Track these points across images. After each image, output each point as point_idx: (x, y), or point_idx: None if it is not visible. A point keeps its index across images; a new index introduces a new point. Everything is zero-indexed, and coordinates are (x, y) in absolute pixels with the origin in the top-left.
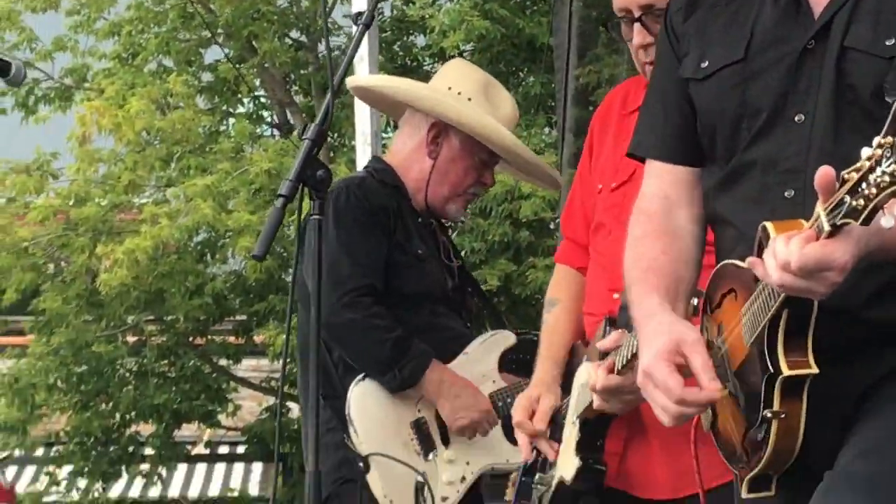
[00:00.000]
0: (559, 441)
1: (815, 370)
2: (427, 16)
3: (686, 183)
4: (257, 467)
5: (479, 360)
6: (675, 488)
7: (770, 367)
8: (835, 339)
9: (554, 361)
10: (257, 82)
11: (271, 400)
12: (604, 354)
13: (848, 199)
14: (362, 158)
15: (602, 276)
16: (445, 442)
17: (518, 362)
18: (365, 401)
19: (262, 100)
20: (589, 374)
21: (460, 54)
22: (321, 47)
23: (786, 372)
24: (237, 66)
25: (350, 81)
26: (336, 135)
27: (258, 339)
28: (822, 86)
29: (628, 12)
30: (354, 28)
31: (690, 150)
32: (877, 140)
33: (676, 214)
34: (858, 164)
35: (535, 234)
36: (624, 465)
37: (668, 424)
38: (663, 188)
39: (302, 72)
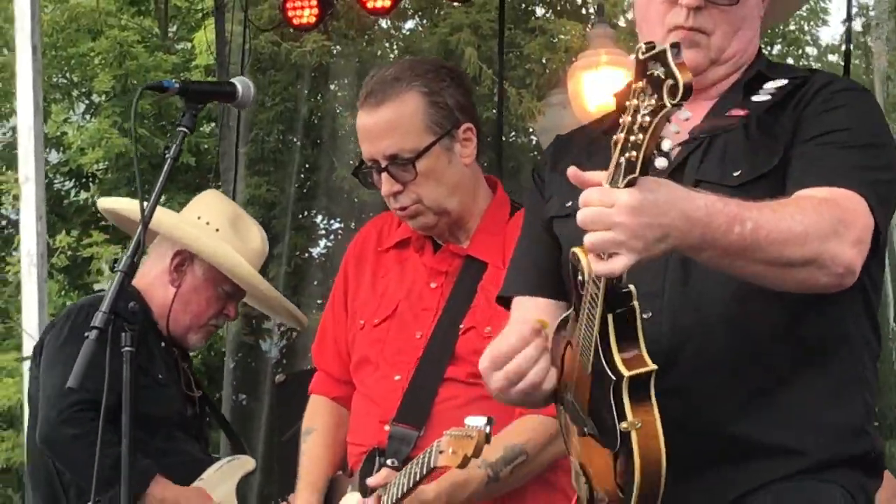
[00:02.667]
0: None
1: (652, 366)
2: (60, 132)
3: (549, 312)
4: None
5: (216, 486)
6: None
7: (612, 376)
8: (699, 453)
9: (314, 488)
10: None
11: None
12: (369, 489)
13: (622, 159)
14: (28, 279)
15: (371, 409)
16: None
17: None
18: None
19: None
20: None
21: (96, 172)
22: None
23: (626, 373)
24: None
25: (101, 203)
26: None
27: None
28: None
29: (375, 162)
30: None
31: (552, 285)
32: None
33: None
34: (620, 126)
35: None
36: None
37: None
38: (525, 315)
39: None
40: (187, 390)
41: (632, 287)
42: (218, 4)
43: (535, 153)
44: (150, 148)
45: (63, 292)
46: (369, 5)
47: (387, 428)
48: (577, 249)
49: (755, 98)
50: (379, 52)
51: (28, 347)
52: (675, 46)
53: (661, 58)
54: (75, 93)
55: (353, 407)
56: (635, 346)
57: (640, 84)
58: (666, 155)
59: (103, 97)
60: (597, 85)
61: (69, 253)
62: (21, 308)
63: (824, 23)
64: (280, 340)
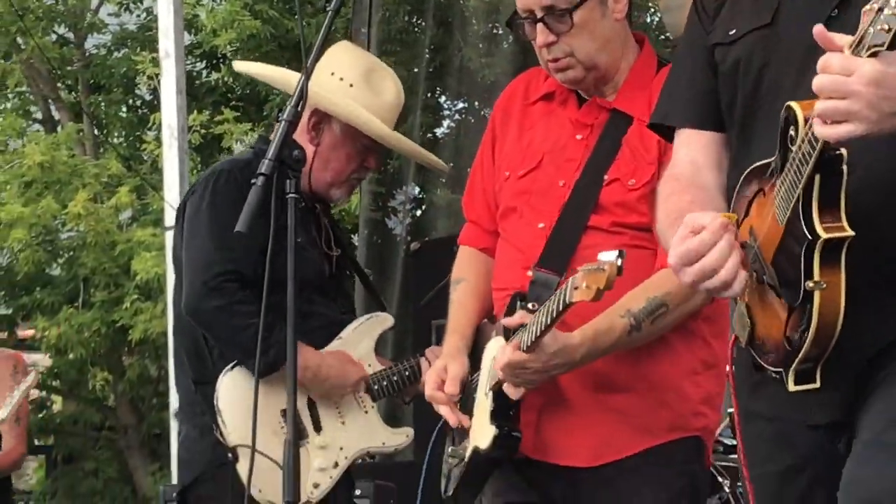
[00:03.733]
0: (470, 413)
1: (850, 233)
2: (192, 15)
3: (713, 147)
4: None
5: (355, 345)
6: (595, 456)
7: (808, 235)
8: (863, 283)
9: (460, 335)
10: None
11: (34, 393)
12: (510, 331)
13: (871, 30)
14: (169, 152)
15: (516, 256)
16: (317, 428)
17: None
18: (234, 391)
19: (28, 96)
20: (504, 355)
21: (227, 53)
22: (88, 44)
23: (823, 235)
24: (3, 61)
25: (237, 66)
26: (104, 132)
27: (22, 333)
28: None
29: (531, 13)
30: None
31: (715, 114)
32: None
33: (704, 175)
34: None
35: None
36: (540, 434)
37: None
38: (691, 154)
39: (69, 68)
40: (326, 249)
41: (843, 151)
42: None
43: (658, 32)
44: (279, 29)
45: (196, 170)
46: None
47: (529, 273)
48: (793, 104)
49: None
50: None
51: (171, 219)
52: None
53: None
54: None
55: (498, 254)
56: (836, 209)
57: None
58: None
59: None
60: None
61: (202, 131)
62: (157, 185)
63: None
64: (405, 219)
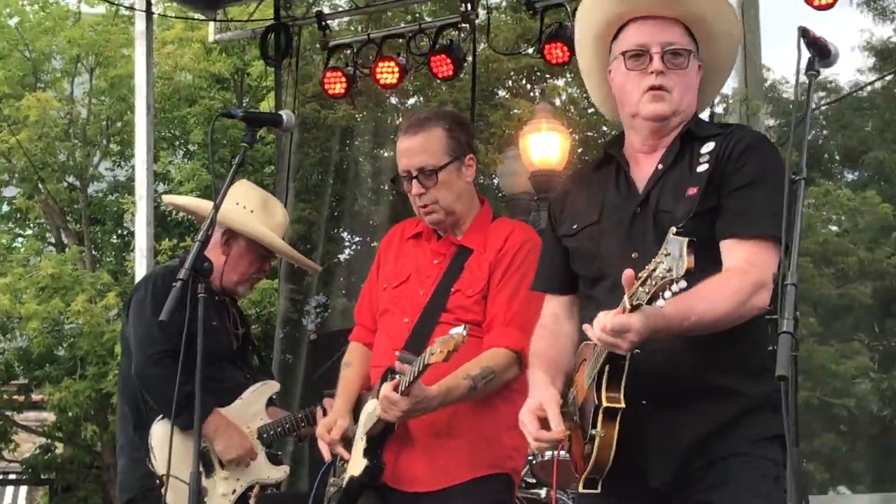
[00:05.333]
0: (350, 452)
1: (623, 405)
2: (165, 170)
3: (568, 304)
4: (23, 490)
5: (252, 403)
6: (433, 482)
7: (596, 401)
8: (672, 395)
9: (346, 401)
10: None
11: (42, 440)
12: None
13: (641, 289)
14: (140, 269)
15: (387, 342)
16: (222, 465)
17: None
18: (162, 434)
19: (45, 225)
20: (383, 391)
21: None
22: (90, 189)
23: (605, 404)
24: (28, 200)
25: (166, 199)
26: (99, 253)
27: (35, 397)
28: (647, 234)
29: (408, 172)
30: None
31: (567, 282)
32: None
33: (561, 323)
34: (647, 268)
35: None
36: (397, 468)
37: (536, 450)
38: (552, 309)
39: (75, 206)
40: (234, 328)
41: (627, 353)
42: (277, 83)
43: (497, 191)
44: None
45: None
46: (381, 81)
47: (397, 353)
48: (600, 315)
49: (699, 169)
50: (389, 120)
51: None
52: (692, 244)
53: (678, 243)
54: (177, 143)
55: (376, 343)
56: (618, 387)
57: (665, 250)
58: (672, 292)
59: (196, 146)
60: (539, 144)
61: (170, 254)
62: None
63: None
64: (315, 318)
